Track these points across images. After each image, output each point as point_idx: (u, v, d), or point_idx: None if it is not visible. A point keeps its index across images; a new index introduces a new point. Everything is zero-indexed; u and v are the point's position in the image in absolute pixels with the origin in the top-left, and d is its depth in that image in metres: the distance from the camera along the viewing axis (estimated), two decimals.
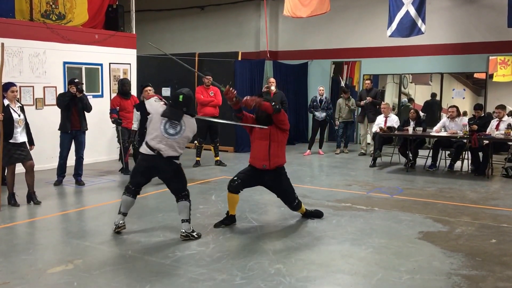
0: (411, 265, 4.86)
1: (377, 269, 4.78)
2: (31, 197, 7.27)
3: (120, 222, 5.86)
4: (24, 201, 7.25)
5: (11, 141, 7.01)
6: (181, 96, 5.59)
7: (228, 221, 6.23)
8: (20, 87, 9.45)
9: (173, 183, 5.77)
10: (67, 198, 8.08)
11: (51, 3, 10.62)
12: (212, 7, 16.96)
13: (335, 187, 8.62)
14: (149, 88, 8.76)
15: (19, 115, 7.12)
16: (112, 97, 10.57)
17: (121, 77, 11.40)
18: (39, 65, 9.94)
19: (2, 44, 6.86)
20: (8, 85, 7.13)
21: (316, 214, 6.58)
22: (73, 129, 8.45)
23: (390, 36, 11.84)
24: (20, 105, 7.36)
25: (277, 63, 14.87)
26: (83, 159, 8.76)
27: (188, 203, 5.71)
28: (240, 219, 6.41)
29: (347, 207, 7.21)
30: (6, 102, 7.01)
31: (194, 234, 5.64)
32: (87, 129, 8.72)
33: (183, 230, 5.61)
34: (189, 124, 5.63)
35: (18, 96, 8.76)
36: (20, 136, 7.14)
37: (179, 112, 5.57)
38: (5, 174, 7.28)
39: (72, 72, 10.54)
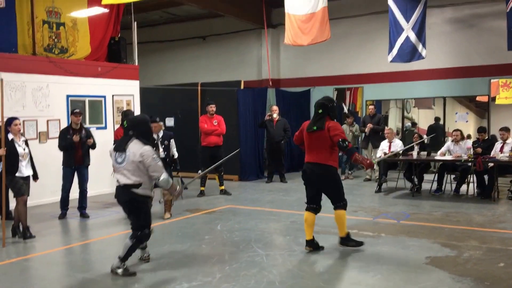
0: None
1: None
2: (16, 231, 7.16)
3: (145, 255, 5.94)
4: (39, 233, 7.20)
5: (17, 174, 7.02)
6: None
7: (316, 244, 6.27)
8: (23, 121, 9.53)
9: (129, 216, 5.58)
10: (72, 232, 8.04)
11: (53, 37, 10.76)
12: (214, 37, 17.14)
13: None
14: (155, 124, 8.40)
15: (24, 149, 7.15)
16: (115, 129, 10.57)
17: (125, 108, 11.46)
18: (42, 99, 10.02)
19: (1, 80, 6.94)
20: (11, 120, 7.18)
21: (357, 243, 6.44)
22: (76, 164, 8.48)
23: (391, 61, 11.90)
24: (24, 139, 7.39)
25: (279, 91, 14.95)
26: (86, 192, 8.76)
27: (131, 243, 5.41)
28: (245, 248, 6.37)
29: (353, 233, 7.12)
30: (10, 136, 7.04)
31: (119, 271, 5.42)
32: (89, 164, 8.74)
33: (112, 265, 5.50)
34: (132, 149, 5.35)
35: (22, 130, 8.81)
36: (25, 170, 7.16)
37: (124, 140, 5.47)
38: (11, 208, 7.24)
39: (75, 105, 10.55)
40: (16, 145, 7.06)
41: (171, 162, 8.81)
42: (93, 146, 8.67)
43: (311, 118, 6.45)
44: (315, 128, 6.13)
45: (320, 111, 6.20)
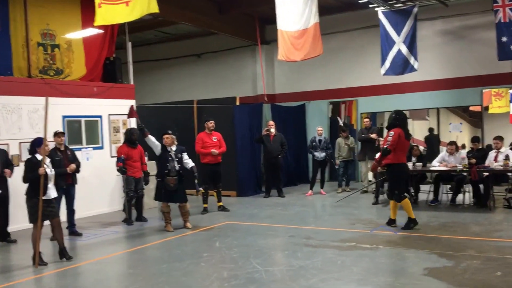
0: None
1: None
2: (63, 253, 7.12)
3: None
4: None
5: (44, 197, 6.86)
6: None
7: (414, 224, 8.11)
8: (20, 143, 9.56)
9: None
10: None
11: (48, 59, 10.84)
12: (209, 54, 17.28)
13: (339, 227, 8.59)
14: (166, 136, 8.84)
15: (51, 171, 7.02)
16: (119, 146, 10.37)
17: (121, 128, 11.53)
18: (38, 121, 9.99)
19: (47, 98, 6.99)
20: (41, 140, 7.05)
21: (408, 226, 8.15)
22: (65, 182, 8.48)
23: (384, 74, 12.04)
24: (50, 160, 7.24)
25: (275, 106, 15.03)
26: (74, 211, 8.76)
27: None
28: (244, 265, 6.39)
29: (351, 246, 7.17)
30: (39, 157, 6.95)
31: None
32: (77, 183, 8.78)
33: None
34: None
35: (19, 153, 8.75)
36: (52, 192, 7.03)
37: None
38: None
39: (71, 125, 10.63)
40: (44, 166, 6.92)
41: (191, 175, 8.96)
42: (77, 170, 8.60)
43: (404, 127, 8.24)
44: (411, 135, 8.45)
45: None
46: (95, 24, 8.82)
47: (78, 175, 8.78)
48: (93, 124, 11.18)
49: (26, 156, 9.49)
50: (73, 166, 8.38)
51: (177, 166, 8.75)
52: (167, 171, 8.66)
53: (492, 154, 9.98)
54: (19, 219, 9.25)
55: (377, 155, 11.32)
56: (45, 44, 10.78)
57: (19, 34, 10.27)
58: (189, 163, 9.02)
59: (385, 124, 14.56)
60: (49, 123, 9.96)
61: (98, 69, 11.83)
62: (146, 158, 10.17)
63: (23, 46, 10.30)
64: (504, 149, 9.93)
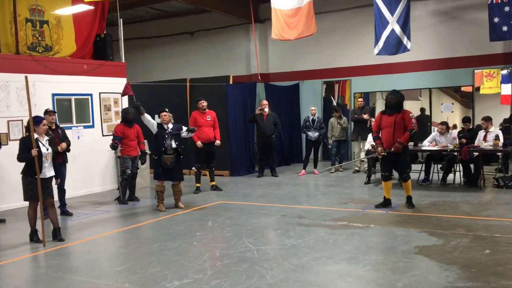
0: (407, 281, 4.86)
1: (374, 286, 4.78)
2: (56, 234, 7.09)
3: None
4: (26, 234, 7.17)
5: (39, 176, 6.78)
6: None
7: (386, 203, 8.24)
8: (8, 121, 9.45)
9: None
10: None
11: (37, 35, 10.65)
12: (202, 32, 17.10)
13: (331, 206, 8.63)
14: (163, 113, 8.84)
15: (47, 149, 6.90)
16: (116, 125, 10.25)
17: (112, 106, 11.43)
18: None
19: (26, 77, 6.92)
20: (40, 119, 6.98)
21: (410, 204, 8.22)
22: (56, 162, 8.42)
23: (377, 54, 11.99)
24: (48, 138, 7.14)
25: (268, 85, 14.95)
26: (65, 190, 8.72)
27: None
28: (236, 244, 6.42)
29: (343, 225, 7.21)
30: (35, 135, 6.83)
31: None
32: (67, 161, 8.71)
33: None
34: None
35: (7, 131, 8.61)
36: (47, 171, 6.92)
37: None
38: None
39: (61, 104, 10.50)
40: (40, 145, 6.82)
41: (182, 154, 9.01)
42: (68, 149, 8.50)
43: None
44: None
45: None
46: (86, 0, 8.68)
47: (68, 154, 8.72)
48: (83, 102, 11.05)
49: (15, 134, 9.53)
50: (64, 144, 8.33)
51: (174, 144, 8.74)
52: (164, 149, 8.65)
53: (481, 134, 10.06)
54: (7, 198, 9.24)
55: (370, 136, 11.40)
56: (33, 20, 10.58)
57: (6, 9, 10.06)
58: (186, 132, 9.03)
59: (378, 104, 14.75)
60: (39, 101, 10.01)
61: (89, 46, 11.68)
62: None
63: (10, 21, 10.09)
64: (494, 129, 9.99)
